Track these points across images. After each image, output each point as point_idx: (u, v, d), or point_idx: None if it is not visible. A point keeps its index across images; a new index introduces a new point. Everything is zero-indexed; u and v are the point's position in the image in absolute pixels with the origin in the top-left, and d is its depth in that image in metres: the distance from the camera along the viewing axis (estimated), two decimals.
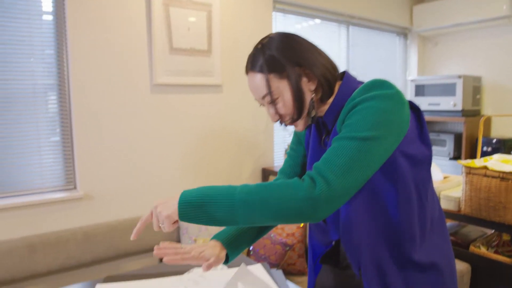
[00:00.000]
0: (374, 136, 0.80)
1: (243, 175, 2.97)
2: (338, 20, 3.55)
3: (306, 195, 0.76)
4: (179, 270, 1.37)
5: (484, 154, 3.44)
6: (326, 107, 0.97)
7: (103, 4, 2.25)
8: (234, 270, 1.30)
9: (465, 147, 3.50)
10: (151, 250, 2.52)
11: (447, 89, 3.55)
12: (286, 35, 0.95)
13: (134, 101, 2.41)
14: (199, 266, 1.38)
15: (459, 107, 3.49)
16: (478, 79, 3.68)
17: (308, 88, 0.93)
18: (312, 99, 0.93)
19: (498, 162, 1.62)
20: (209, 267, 0.95)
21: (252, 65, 0.94)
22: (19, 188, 2.15)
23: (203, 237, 2.40)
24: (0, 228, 2.04)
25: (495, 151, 3.39)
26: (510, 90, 3.61)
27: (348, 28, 3.64)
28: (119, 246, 2.32)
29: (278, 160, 3.23)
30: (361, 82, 0.97)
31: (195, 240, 2.35)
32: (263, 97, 0.94)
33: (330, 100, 0.96)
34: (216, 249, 1.00)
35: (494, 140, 3.45)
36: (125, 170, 2.40)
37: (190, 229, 2.43)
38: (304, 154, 1.15)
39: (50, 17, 2.18)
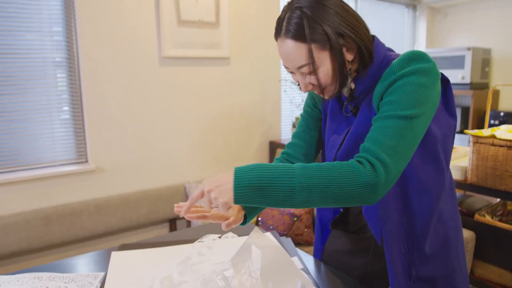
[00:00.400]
0: (417, 114, 0.81)
1: (251, 148, 3.00)
2: None
3: (367, 181, 0.76)
4: (190, 238, 1.41)
5: (492, 126, 3.43)
6: (354, 73, 0.95)
7: None
8: (244, 238, 1.33)
9: (472, 121, 3.49)
10: (161, 222, 2.59)
11: (456, 62, 3.51)
12: (334, 1, 0.87)
13: (143, 74, 2.42)
14: (211, 233, 1.41)
15: (467, 80, 3.46)
16: (487, 51, 3.63)
17: (347, 59, 0.89)
18: (349, 69, 0.90)
19: (506, 132, 1.63)
20: (228, 226, 0.97)
21: (287, 30, 0.86)
22: (33, 162, 2.20)
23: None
24: (16, 201, 2.10)
25: (502, 124, 3.38)
26: None
27: (356, 0, 3.57)
28: (130, 218, 2.38)
29: (286, 133, 3.25)
30: (390, 49, 0.95)
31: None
32: (300, 67, 0.88)
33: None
34: (235, 210, 1.01)
35: (502, 113, 3.43)
36: (135, 143, 2.44)
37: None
38: (319, 117, 1.13)
39: None
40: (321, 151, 1.18)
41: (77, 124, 2.30)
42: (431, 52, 3.69)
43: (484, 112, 3.47)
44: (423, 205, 0.94)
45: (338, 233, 1.20)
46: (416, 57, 0.84)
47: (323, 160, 1.15)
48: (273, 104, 3.08)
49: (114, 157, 2.38)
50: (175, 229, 2.61)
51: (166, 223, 2.62)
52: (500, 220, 1.73)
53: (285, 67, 0.92)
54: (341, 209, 1.17)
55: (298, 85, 0.96)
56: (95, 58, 2.24)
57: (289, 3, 0.89)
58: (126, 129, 2.40)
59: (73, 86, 2.27)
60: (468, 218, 1.75)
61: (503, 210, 1.84)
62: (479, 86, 3.56)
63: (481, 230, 1.68)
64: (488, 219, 1.67)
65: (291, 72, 0.93)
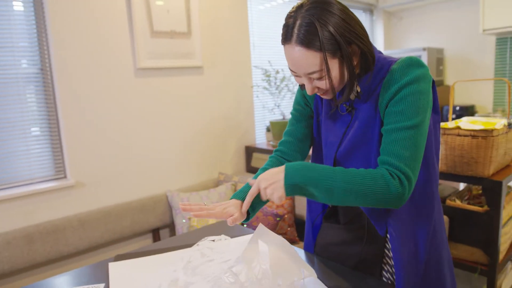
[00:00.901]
0: (422, 120, 0.92)
1: (228, 154, 3.06)
2: None
3: (395, 192, 0.89)
4: (183, 244, 1.40)
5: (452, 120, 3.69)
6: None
7: None
8: (238, 239, 1.38)
9: None
10: (145, 232, 2.59)
11: None
12: (340, 9, 0.90)
13: (119, 86, 2.42)
14: (207, 237, 1.42)
15: None
16: (440, 51, 3.91)
17: (353, 64, 0.94)
18: (357, 74, 0.96)
19: (468, 123, 1.79)
20: (234, 222, 1.03)
21: (298, 37, 0.89)
22: (9, 181, 2.14)
23: None
24: None
25: (459, 117, 3.65)
26: (469, 60, 3.86)
27: None
28: (114, 230, 2.36)
29: (260, 138, 3.33)
30: (380, 51, 1.02)
31: (189, 219, 2.43)
32: (310, 73, 0.92)
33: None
34: (237, 207, 1.07)
35: (458, 108, 3.71)
36: (114, 156, 2.43)
37: None
38: (310, 116, 1.19)
39: (29, 7, 2.14)
40: (312, 148, 1.25)
41: (53, 140, 2.27)
42: (390, 54, 3.92)
43: (442, 107, 3.73)
44: (426, 200, 1.04)
45: (329, 226, 1.26)
46: (413, 63, 0.93)
47: (315, 156, 1.22)
48: (247, 110, 3.15)
49: (93, 171, 2.35)
50: (159, 239, 2.61)
51: (149, 233, 2.61)
52: (468, 204, 1.89)
53: (291, 70, 0.96)
54: (330, 205, 1.25)
55: (299, 86, 1.02)
56: (69, 73, 2.22)
57: (297, 9, 0.91)
58: (104, 142, 2.39)
59: (48, 101, 2.23)
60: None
61: (469, 195, 2.01)
62: (436, 84, 3.82)
63: (453, 214, 1.83)
64: (458, 203, 1.82)
65: (297, 76, 0.97)
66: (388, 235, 1.09)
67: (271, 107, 3.30)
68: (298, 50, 0.90)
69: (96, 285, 1.19)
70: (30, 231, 2.08)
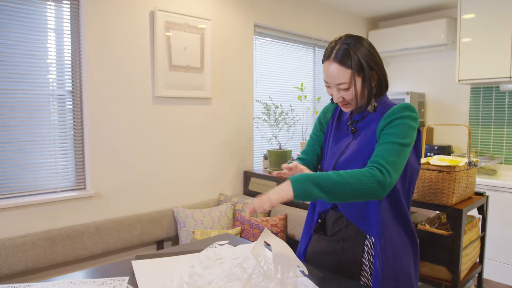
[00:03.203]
0: (406, 143, 1.23)
1: (228, 177, 3.37)
2: (306, 43, 4.07)
3: (378, 181, 1.15)
4: (193, 250, 1.63)
5: (428, 157, 4.06)
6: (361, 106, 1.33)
7: (114, 27, 2.60)
8: (241, 245, 1.65)
9: None
10: (151, 243, 2.85)
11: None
12: (369, 44, 1.27)
13: (138, 111, 2.75)
14: (215, 243, 1.68)
15: None
16: (422, 95, 4.34)
17: (372, 85, 1.27)
18: (372, 93, 1.29)
19: (437, 160, 2.15)
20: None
21: (336, 56, 1.24)
22: (37, 188, 2.42)
23: (199, 229, 2.76)
24: (24, 223, 2.30)
25: (436, 155, 4.04)
26: (447, 104, 4.30)
27: (314, 50, 4.17)
28: (125, 239, 2.63)
29: (257, 164, 3.66)
30: (387, 97, 1.38)
31: (193, 232, 2.71)
32: (339, 84, 1.25)
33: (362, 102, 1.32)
34: (303, 168, 1.36)
35: (436, 147, 4.10)
36: (129, 172, 2.73)
37: (187, 223, 2.79)
38: (322, 139, 1.53)
39: (66, 36, 2.50)
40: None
41: (77, 155, 2.56)
42: None
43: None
44: (403, 216, 1.35)
45: (318, 237, 1.55)
46: (409, 107, 1.28)
47: (323, 164, 1.53)
48: (247, 139, 3.49)
49: (110, 185, 2.64)
50: None
51: (154, 244, 2.87)
52: (437, 228, 2.22)
53: (326, 82, 1.30)
54: (319, 220, 1.56)
55: (331, 99, 1.39)
56: (97, 96, 2.56)
57: (338, 39, 1.28)
58: (121, 160, 2.69)
59: (75, 121, 2.55)
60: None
61: (438, 222, 2.34)
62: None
63: (423, 236, 2.15)
64: (427, 227, 2.15)
65: (328, 87, 1.31)
66: (365, 247, 1.39)
67: (269, 138, 3.65)
68: (334, 65, 1.25)
69: (121, 277, 1.40)
70: (53, 234, 2.34)
